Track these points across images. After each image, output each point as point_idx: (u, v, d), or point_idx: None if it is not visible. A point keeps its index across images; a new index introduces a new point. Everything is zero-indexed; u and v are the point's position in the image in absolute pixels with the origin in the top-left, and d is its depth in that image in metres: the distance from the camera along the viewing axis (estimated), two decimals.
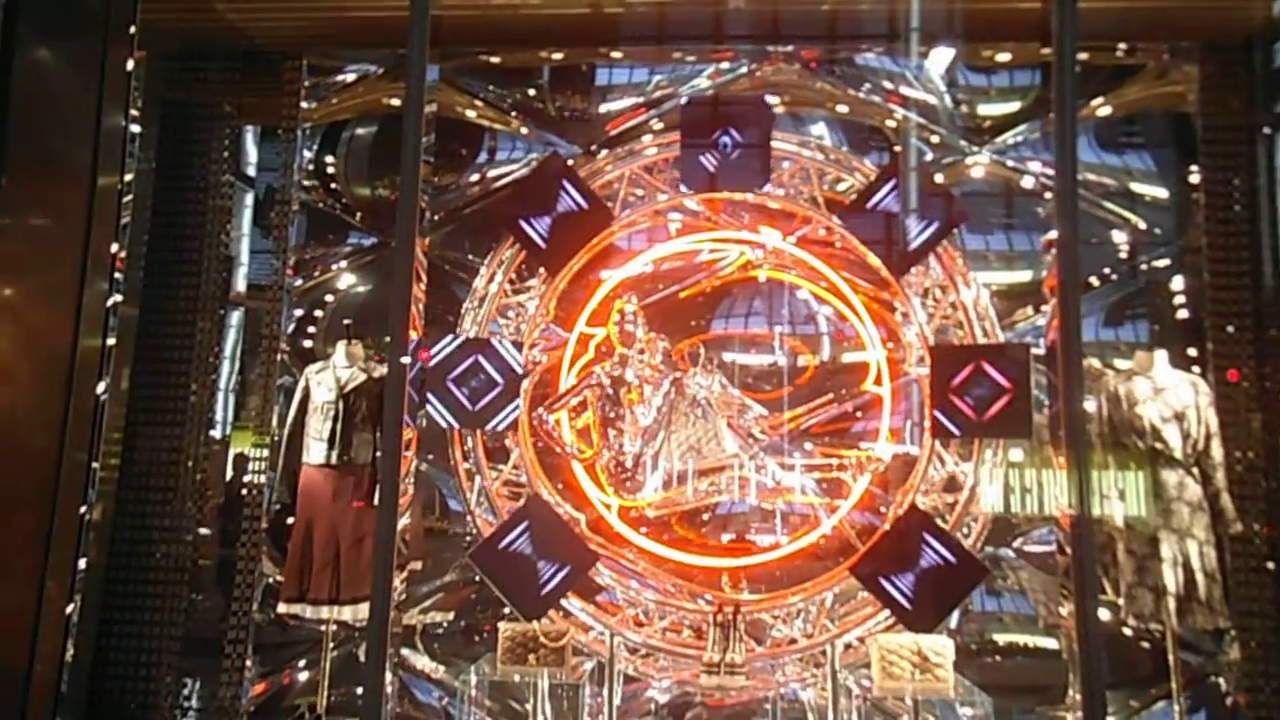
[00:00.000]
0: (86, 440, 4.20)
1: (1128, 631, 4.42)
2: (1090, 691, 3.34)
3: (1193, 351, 4.81)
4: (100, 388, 4.24)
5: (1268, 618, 4.42)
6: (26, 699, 3.99)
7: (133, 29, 4.07)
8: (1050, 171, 4.93)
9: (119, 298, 4.32)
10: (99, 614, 4.94)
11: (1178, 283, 5.08)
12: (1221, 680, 4.54)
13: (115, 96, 4.05)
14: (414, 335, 4.68)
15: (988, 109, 5.29)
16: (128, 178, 4.27)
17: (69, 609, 4.17)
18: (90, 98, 3.97)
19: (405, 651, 4.94)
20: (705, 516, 4.79)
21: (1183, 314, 5.03)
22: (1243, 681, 4.38)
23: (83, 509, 4.22)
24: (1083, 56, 4.93)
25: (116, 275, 4.27)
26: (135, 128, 4.28)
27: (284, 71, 5.28)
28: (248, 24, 5.01)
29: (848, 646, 4.37)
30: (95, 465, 4.27)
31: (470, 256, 5.22)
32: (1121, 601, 4.28)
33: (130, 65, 4.09)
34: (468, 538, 4.83)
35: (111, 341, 4.28)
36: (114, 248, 4.24)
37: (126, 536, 5.11)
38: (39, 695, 4.03)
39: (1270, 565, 4.41)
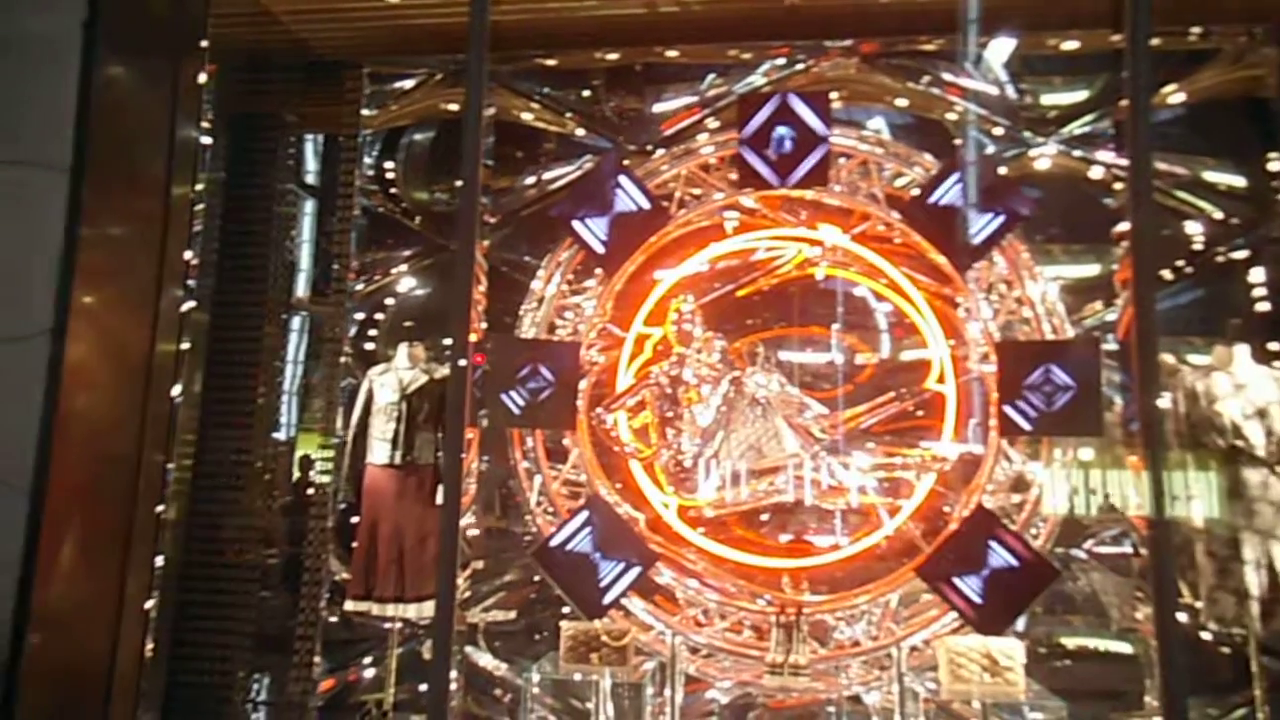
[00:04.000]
0: (163, 442, 4.34)
1: (1207, 636, 4.26)
2: (1171, 699, 3.22)
3: (1274, 345, 4.61)
4: (175, 391, 4.38)
5: None
6: (109, 692, 4.14)
7: (204, 43, 4.19)
8: (1120, 161, 4.79)
9: (192, 304, 4.47)
10: (175, 610, 5.11)
11: (1257, 274, 4.89)
12: None
13: (188, 109, 4.18)
14: (474, 337, 4.76)
15: (1053, 99, 5.16)
16: (199, 187, 4.40)
17: (148, 605, 4.32)
18: (164, 111, 4.11)
19: (468, 649, 5.00)
20: (764, 516, 4.76)
21: (1263, 306, 4.84)
22: None
23: (159, 508, 4.36)
24: (1155, 42, 4.77)
25: (190, 282, 4.42)
26: (206, 139, 4.42)
27: (345, 80, 5.39)
28: (311, 35, 5.13)
29: (914, 649, 4.29)
30: (170, 466, 4.42)
31: (528, 258, 5.27)
32: (1201, 605, 4.13)
33: (202, 79, 4.21)
34: (528, 537, 4.87)
35: (185, 346, 4.42)
36: (187, 255, 4.38)
37: (200, 535, 5.28)
38: (121, 688, 4.18)
39: None
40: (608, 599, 4.37)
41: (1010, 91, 5.17)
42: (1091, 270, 5.17)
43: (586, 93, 5.48)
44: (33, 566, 3.77)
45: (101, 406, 4.10)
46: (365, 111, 5.38)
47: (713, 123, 5.23)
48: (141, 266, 4.17)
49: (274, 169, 5.52)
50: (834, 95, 4.95)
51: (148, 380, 4.19)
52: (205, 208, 4.74)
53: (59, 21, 3.85)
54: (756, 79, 5.25)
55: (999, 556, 4.10)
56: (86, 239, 3.90)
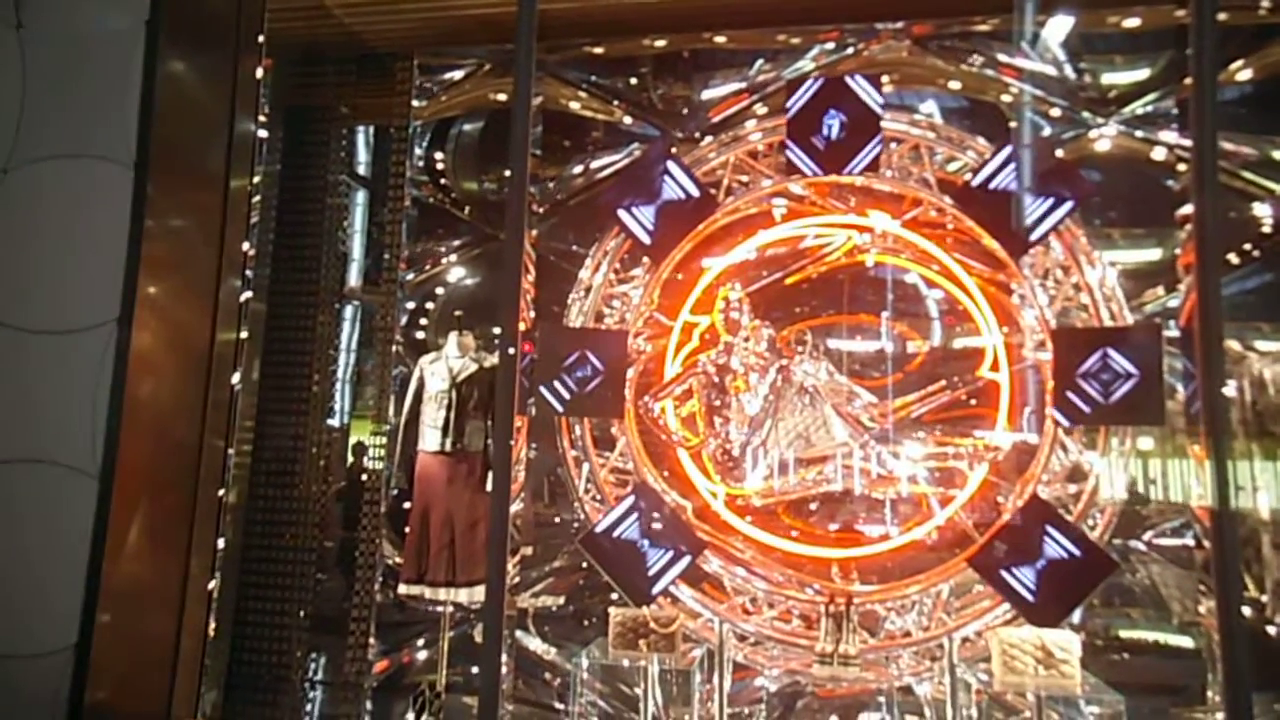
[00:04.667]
0: (223, 428, 4.48)
1: (1273, 630, 4.13)
2: (1235, 694, 3.15)
3: None
4: (235, 379, 4.51)
5: None
6: (175, 669, 4.30)
7: (261, 38, 4.28)
8: (1184, 142, 4.63)
9: (250, 294, 4.59)
10: (236, 591, 5.26)
11: None
12: None
13: (246, 103, 4.29)
14: (523, 326, 4.80)
15: (1113, 78, 5.00)
16: (256, 179, 4.51)
17: (210, 585, 4.47)
18: (224, 105, 4.22)
19: (518, 634, 5.07)
20: (813, 505, 4.73)
21: None
22: None
23: (220, 492, 4.50)
24: (1221, 17, 4.60)
25: (248, 272, 4.54)
26: (263, 132, 4.52)
27: (396, 72, 5.46)
28: (363, 28, 5.20)
29: (965, 640, 4.24)
30: (231, 451, 4.55)
31: (575, 247, 5.29)
32: (1267, 599, 4.00)
33: (259, 73, 4.31)
34: (575, 524, 4.91)
35: (244, 335, 4.55)
36: (245, 246, 4.50)
37: (258, 519, 5.43)
38: (186, 666, 4.34)
39: None
40: (656, 587, 4.39)
41: (1068, 71, 5.03)
42: (1153, 255, 5.01)
43: (634, 80, 5.47)
44: (102, 548, 3.92)
45: (166, 394, 4.24)
46: (415, 103, 5.44)
47: (761, 109, 5.18)
48: (202, 257, 4.30)
49: (327, 161, 5.63)
50: (885, 79, 4.88)
51: (209, 368, 4.32)
52: (261, 199, 4.85)
53: (122, 20, 3.97)
54: (806, 64, 5.19)
55: (1054, 547, 4.03)
56: (150, 231, 4.02)
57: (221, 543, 4.54)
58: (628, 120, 5.47)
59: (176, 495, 4.32)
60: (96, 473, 3.93)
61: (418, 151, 5.60)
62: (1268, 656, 4.29)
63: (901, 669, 4.36)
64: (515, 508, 4.84)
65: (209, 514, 4.44)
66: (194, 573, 4.37)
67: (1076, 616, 4.40)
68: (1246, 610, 4.01)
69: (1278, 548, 3.98)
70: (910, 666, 4.36)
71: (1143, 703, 4.17)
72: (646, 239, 4.73)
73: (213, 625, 4.50)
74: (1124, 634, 4.63)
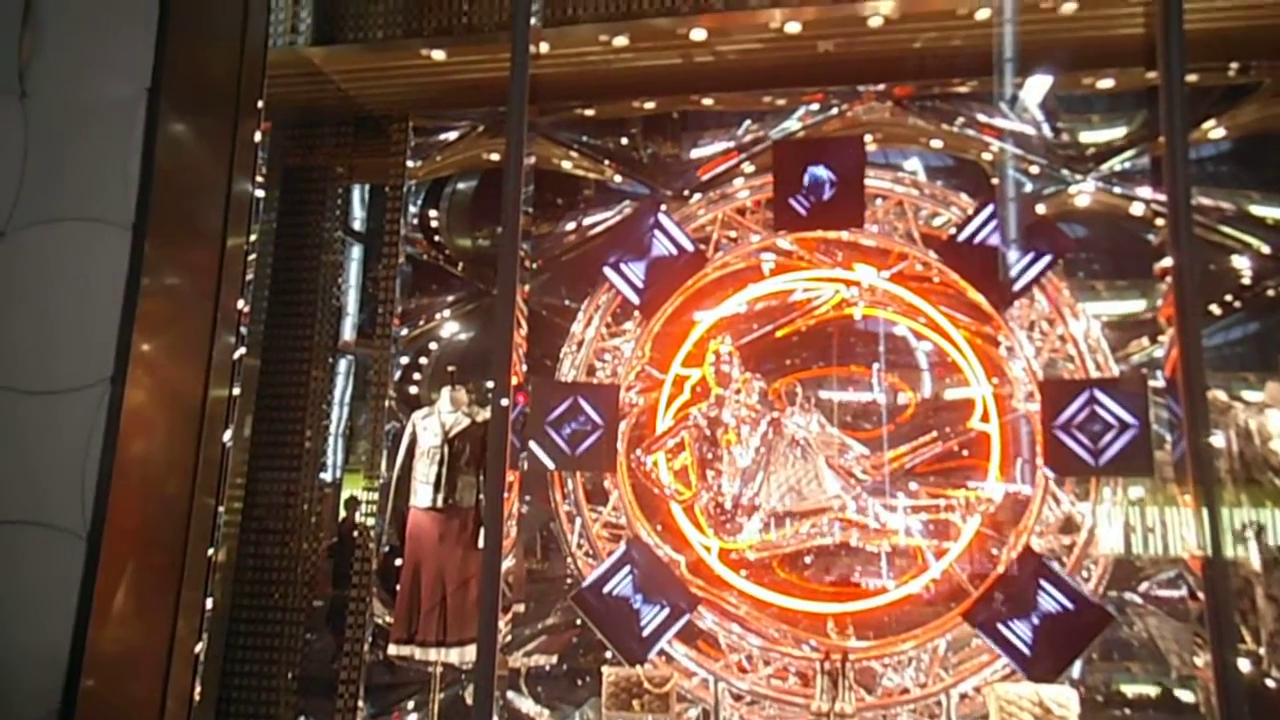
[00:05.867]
0: (214, 485, 4.45)
1: (1270, 684, 4.09)
2: None
3: None
4: (227, 436, 4.50)
5: None
6: None
7: (260, 103, 4.38)
8: (1160, 197, 4.74)
9: (243, 350, 4.61)
10: (224, 653, 5.17)
11: None
12: None
13: (243, 165, 4.36)
14: (515, 380, 4.82)
15: (1091, 136, 5.15)
16: (253, 238, 4.57)
17: (197, 648, 4.39)
18: (222, 167, 4.29)
19: (510, 694, 4.99)
20: (807, 559, 4.71)
21: None
22: None
23: (210, 551, 4.45)
24: (1192, 78, 4.75)
25: (242, 329, 4.56)
26: (260, 192, 4.59)
27: (391, 133, 5.57)
28: (359, 92, 5.33)
29: (964, 696, 4.19)
30: (221, 509, 4.52)
31: (567, 302, 5.35)
32: (1263, 651, 3.98)
33: (258, 137, 4.40)
34: (569, 580, 4.87)
35: (237, 391, 4.55)
36: (240, 304, 4.53)
37: (248, 578, 5.36)
38: None
39: None
40: (650, 645, 4.34)
41: (1046, 130, 5.18)
42: (1136, 306, 5.10)
43: (624, 140, 5.60)
44: (88, 611, 3.85)
45: (158, 452, 4.21)
46: (410, 163, 5.54)
47: (748, 167, 5.30)
48: (197, 315, 4.32)
49: (323, 218, 5.70)
50: (869, 138, 5.01)
51: (201, 425, 4.30)
52: (257, 257, 4.91)
53: (125, 88, 4.05)
54: (791, 124, 5.33)
55: (1050, 600, 4.01)
56: (146, 290, 4.05)
57: (210, 603, 4.48)
58: (618, 179, 5.59)
59: (165, 555, 4.27)
60: (85, 533, 3.89)
61: (412, 209, 5.69)
62: (1266, 708, 4.25)
63: None
64: (507, 564, 4.80)
65: (197, 574, 4.38)
66: (181, 635, 4.29)
67: (1075, 671, 4.35)
68: (1243, 662, 3.99)
69: (1272, 599, 3.97)
70: None
71: None
72: (636, 296, 4.80)
73: (199, 689, 4.41)
74: (1123, 688, 4.58)
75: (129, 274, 4.03)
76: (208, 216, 4.29)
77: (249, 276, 4.62)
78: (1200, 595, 4.20)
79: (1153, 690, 4.57)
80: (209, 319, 4.35)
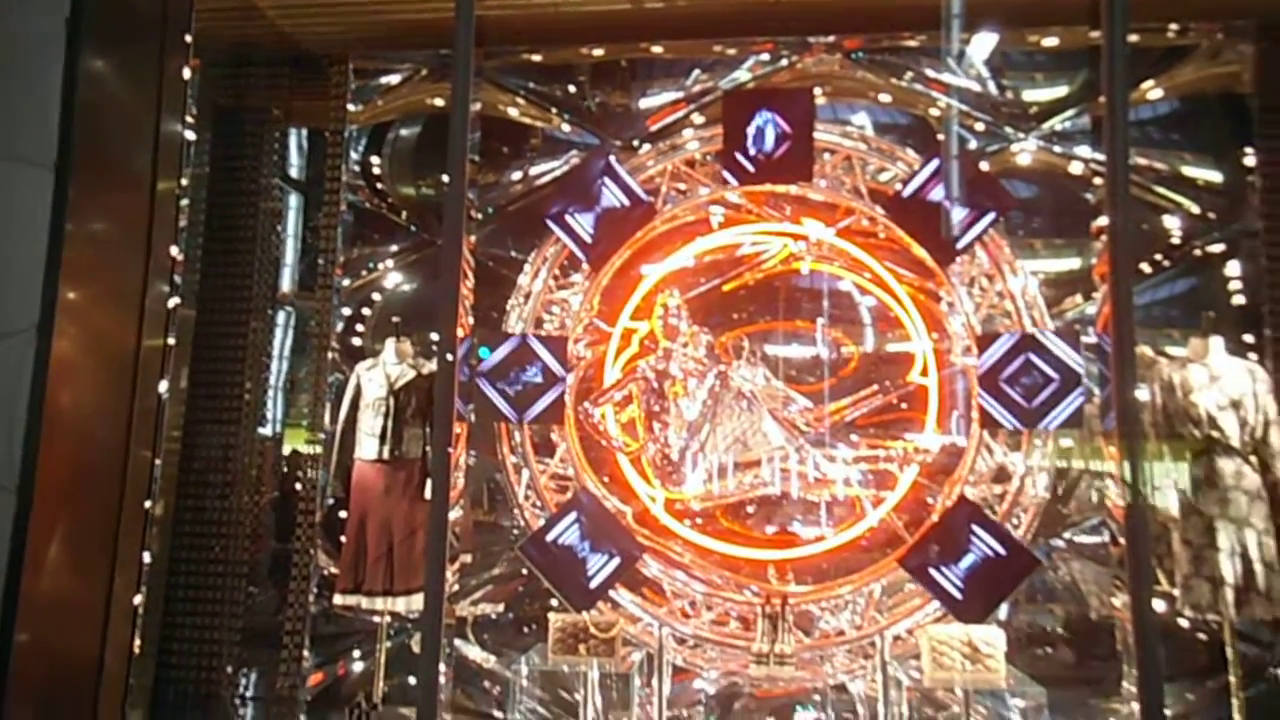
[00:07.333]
0: (150, 438, 4.35)
1: (1184, 623, 4.34)
2: (1147, 685, 3.29)
3: (1249, 338, 4.70)
4: (162, 387, 4.38)
5: None
6: (97, 689, 4.15)
7: (188, 38, 4.18)
8: (1098, 156, 4.85)
9: (178, 300, 4.47)
10: (163, 606, 5.11)
11: (1233, 268, 4.96)
12: None
13: (173, 105, 4.18)
14: (461, 332, 4.77)
15: (1034, 94, 5.21)
16: (184, 183, 4.40)
17: (135, 601, 4.33)
18: (149, 107, 4.11)
19: (458, 642, 5.03)
20: (750, 509, 4.81)
21: (1239, 300, 4.92)
22: None
23: (147, 504, 4.37)
24: (1133, 38, 4.82)
25: (176, 278, 4.42)
26: (191, 134, 4.41)
27: (330, 75, 5.38)
28: (295, 29, 5.12)
29: (897, 638, 4.36)
30: (158, 462, 4.43)
31: (515, 253, 5.28)
32: (1177, 593, 4.21)
33: (186, 74, 4.21)
34: (515, 531, 4.90)
35: (172, 342, 4.43)
36: (173, 251, 4.39)
37: (187, 531, 5.28)
38: (109, 685, 4.20)
39: None
40: (595, 591, 4.41)
41: (992, 87, 5.22)
42: (1073, 264, 5.23)
43: (572, 88, 5.49)
44: (20, 564, 3.77)
45: (88, 403, 4.10)
46: (351, 106, 5.37)
47: (698, 118, 5.25)
48: (127, 263, 4.18)
49: (260, 164, 5.51)
50: (818, 91, 5.00)
51: (134, 376, 4.19)
52: (190, 203, 4.73)
53: (42, 20, 3.84)
54: (741, 74, 5.28)
55: (980, 547, 4.17)
56: (72, 235, 3.89)
57: (148, 556, 4.41)
58: (566, 127, 5.49)
59: (100, 508, 4.18)
60: (14, 486, 3.78)
61: (353, 156, 5.52)
62: (1180, 648, 4.52)
63: (836, 667, 4.46)
64: (454, 515, 4.81)
65: (134, 527, 4.31)
66: (118, 588, 4.23)
67: (1003, 612, 4.56)
68: (1160, 604, 4.22)
69: (1187, 543, 4.19)
70: (844, 665, 4.46)
71: (1063, 694, 4.35)
72: (585, 247, 4.76)
73: (138, 642, 4.36)
74: (1048, 629, 4.81)
75: (53, 217, 3.87)
76: (136, 158, 4.12)
77: (182, 223, 4.47)
78: (1121, 541, 4.44)
79: (1074, 631, 4.81)
80: (141, 266, 4.21)
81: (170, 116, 4.21)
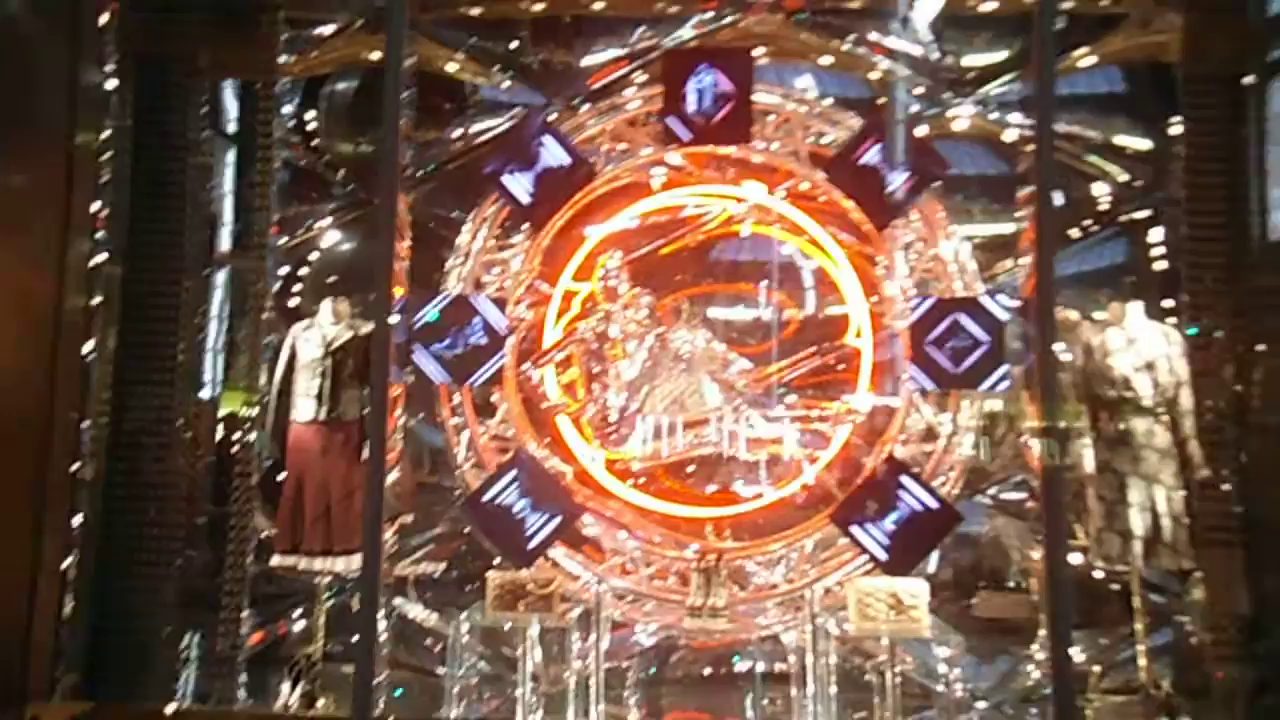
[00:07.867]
0: (77, 400, 4.25)
1: (1097, 575, 4.56)
2: (1057, 631, 3.47)
3: (1169, 303, 4.87)
4: (88, 347, 4.27)
5: (1231, 560, 4.55)
6: (26, 653, 4.10)
7: None
8: (1029, 123, 4.93)
9: (103, 257, 4.33)
10: (98, 570, 5.02)
11: (1156, 234, 5.13)
12: (1186, 619, 4.70)
13: (90, 52, 4.01)
14: (399, 292, 4.72)
15: (973, 59, 5.26)
16: (105, 135, 4.24)
17: (65, 564, 4.27)
18: (63, 53, 3.93)
19: (399, 601, 5.06)
20: (690, 468, 4.88)
21: (1161, 265, 5.09)
22: (1206, 620, 4.54)
23: (75, 467, 4.29)
24: (1067, 5, 4.90)
25: (99, 234, 4.28)
26: (111, 83, 4.24)
27: (261, 24, 5.18)
28: None
29: (827, 591, 4.50)
30: (87, 424, 4.33)
31: (455, 213, 5.21)
32: (1091, 545, 4.40)
33: (104, 19, 4.03)
34: (456, 491, 4.92)
35: (97, 301, 4.31)
36: (95, 207, 4.24)
37: (120, 494, 5.17)
38: (38, 649, 4.15)
39: (1235, 509, 4.52)
40: (534, 549, 4.46)
41: (932, 52, 5.26)
42: (1006, 229, 5.34)
43: (513, 45, 5.39)
44: None
45: (8, 362, 3.99)
46: (283, 58, 5.19)
47: (640, 76, 5.21)
48: (44, 218, 4.04)
49: (188, 117, 5.30)
50: (760, 52, 4.98)
51: (56, 336, 4.08)
52: (115, 157, 4.56)
53: None
54: (685, 32, 5.23)
55: (907, 503, 4.31)
56: None
57: (79, 520, 4.34)
58: (506, 84, 5.39)
59: (23, 471, 4.10)
60: None
61: (288, 110, 5.36)
62: (1093, 597, 4.75)
63: (768, 619, 4.59)
64: (393, 476, 4.80)
65: (61, 490, 4.23)
66: (46, 552, 4.16)
67: (930, 566, 4.73)
68: (1076, 557, 4.42)
69: (1101, 499, 4.37)
70: (776, 617, 4.60)
71: (983, 642, 4.55)
72: (526, 205, 4.73)
73: (70, 605, 4.30)
74: (970, 581, 5.01)
75: None
76: (51, 109, 3.96)
77: (104, 178, 4.32)
78: (1040, 497, 4.61)
79: (995, 582, 5.02)
80: (59, 222, 4.07)
81: (88, 65, 4.05)
